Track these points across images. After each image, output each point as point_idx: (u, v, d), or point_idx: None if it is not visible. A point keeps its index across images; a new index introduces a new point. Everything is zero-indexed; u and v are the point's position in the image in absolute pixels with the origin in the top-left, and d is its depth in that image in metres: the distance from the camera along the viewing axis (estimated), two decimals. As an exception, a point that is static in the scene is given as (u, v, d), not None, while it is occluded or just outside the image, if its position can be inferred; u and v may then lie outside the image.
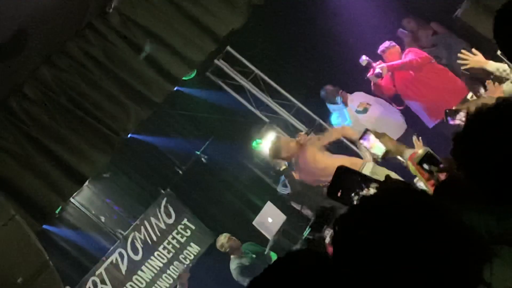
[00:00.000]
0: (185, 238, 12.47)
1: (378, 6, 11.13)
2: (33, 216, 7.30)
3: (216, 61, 11.91)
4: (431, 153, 3.38)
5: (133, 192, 12.86)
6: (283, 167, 10.29)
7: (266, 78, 12.17)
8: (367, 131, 5.68)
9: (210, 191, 13.05)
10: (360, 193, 2.46)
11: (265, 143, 11.23)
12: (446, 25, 10.68)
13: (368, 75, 10.13)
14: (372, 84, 10.27)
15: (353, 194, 2.48)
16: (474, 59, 7.21)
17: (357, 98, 10.87)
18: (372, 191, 2.44)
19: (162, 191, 12.59)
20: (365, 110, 10.72)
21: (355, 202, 2.43)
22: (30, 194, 7.36)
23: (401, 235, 1.85)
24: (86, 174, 7.74)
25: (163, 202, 12.49)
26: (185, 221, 12.55)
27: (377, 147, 7.19)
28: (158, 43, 8.12)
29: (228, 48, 11.88)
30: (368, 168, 8.44)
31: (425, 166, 3.26)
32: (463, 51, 7.30)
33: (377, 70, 9.96)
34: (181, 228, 12.47)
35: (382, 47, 10.30)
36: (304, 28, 11.60)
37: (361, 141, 6.58)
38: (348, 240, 1.93)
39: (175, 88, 9.18)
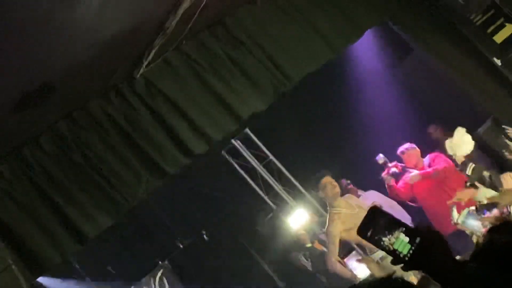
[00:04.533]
0: (174, 313, 12.32)
1: (402, 110, 11.23)
2: (29, 268, 7.21)
3: (233, 141, 11.95)
4: None
5: (130, 258, 12.74)
6: (308, 244, 10.40)
7: (279, 165, 12.17)
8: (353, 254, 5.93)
9: (207, 269, 12.94)
10: (388, 236, 2.48)
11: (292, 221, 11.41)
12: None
13: (383, 174, 10.14)
14: (387, 185, 10.25)
15: (380, 236, 2.49)
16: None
17: (371, 197, 10.83)
18: (395, 237, 2.46)
19: (160, 262, 12.48)
20: None
21: (381, 244, 2.49)
22: (29, 245, 7.26)
23: None
24: (89, 234, 7.65)
25: (159, 274, 12.37)
26: (177, 295, 12.42)
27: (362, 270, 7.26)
28: (180, 115, 8.13)
29: (247, 129, 11.93)
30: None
31: None
32: None
33: (393, 169, 9.98)
34: (172, 303, 12.34)
35: (402, 148, 10.32)
36: (326, 121, 11.68)
37: (346, 260, 6.70)
38: None
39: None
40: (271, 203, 12.13)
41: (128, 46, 7.23)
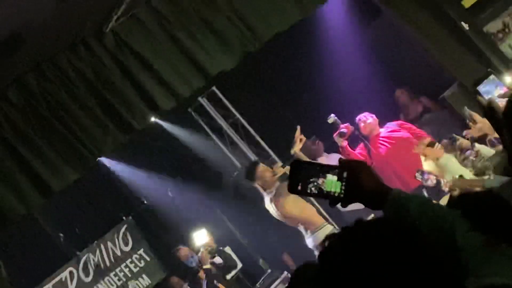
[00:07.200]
0: (138, 268, 12.34)
1: (369, 72, 11.28)
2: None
3: (199, 98, 11.92)
4: None
5: (95, 213, 12.68)
6: (207, 265, 10.30)
7: (246, 124, 12.18)
8: None
9: (171, 227, 12.92)
10: (317, 182, 2.48)
11: None
12: (434, 101, 10.84)
13: (334, 135, 10.05)
14: (339, 147, 10.15)
15: (310, 184, 2.49)
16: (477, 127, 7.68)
17: (334, 160, 10.71)
18: (324, 180, 2.47)
19: (124, 218, 12.47)
20: None
21: (313, 191, 2.48)
22: (-6, 197, 7.27)
23: (380, 265, 1.93)
24: (55, 188, 7.63)
25: (123, 229, 12.38)
26: (141, 251, 12.43)
27: None
28: (148, 71, 8.10)
29: (214, 88, 11.90)
30: (326, 230, 8.54)
31: None
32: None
33: (343, 130, 9.86)
34: (136, 258, 12.34)
35: (360, 117, 10.20)
36: (293, 81, 11.69)
37: None
38: (334, 261, 2.02)
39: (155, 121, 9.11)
40: (236, 162, 12.15)
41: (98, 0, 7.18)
